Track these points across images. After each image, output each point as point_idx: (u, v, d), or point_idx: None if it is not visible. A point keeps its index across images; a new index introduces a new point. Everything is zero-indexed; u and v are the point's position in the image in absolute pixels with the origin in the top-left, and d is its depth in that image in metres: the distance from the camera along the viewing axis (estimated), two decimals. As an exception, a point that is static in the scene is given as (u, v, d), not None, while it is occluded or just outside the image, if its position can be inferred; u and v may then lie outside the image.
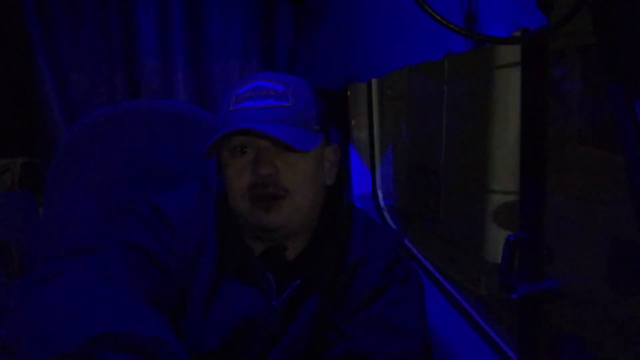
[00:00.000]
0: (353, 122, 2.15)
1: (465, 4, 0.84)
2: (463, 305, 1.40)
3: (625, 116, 0.68)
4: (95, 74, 1.79)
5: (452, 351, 1.27)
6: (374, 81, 2.08)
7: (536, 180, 1.01)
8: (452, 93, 3.28)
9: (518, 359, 1.12)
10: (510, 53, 2.53)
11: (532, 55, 0.97)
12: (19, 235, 1.42)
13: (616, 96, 0.69)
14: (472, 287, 2.77)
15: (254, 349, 0.88)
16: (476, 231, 2.98)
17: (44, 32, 1.69)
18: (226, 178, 0.84)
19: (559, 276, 1.01)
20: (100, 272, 0.72)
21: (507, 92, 2.67)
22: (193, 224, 0.88)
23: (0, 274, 1.40)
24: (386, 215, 2.14)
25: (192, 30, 1.82)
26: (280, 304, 0.87)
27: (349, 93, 2.07)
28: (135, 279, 0.74)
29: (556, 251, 1.02)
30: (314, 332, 0.87)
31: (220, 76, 1.88)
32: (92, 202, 1.24)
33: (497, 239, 2.80)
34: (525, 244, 1.02)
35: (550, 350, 1.05)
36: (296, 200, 0.82)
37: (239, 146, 0.82)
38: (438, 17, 0.70)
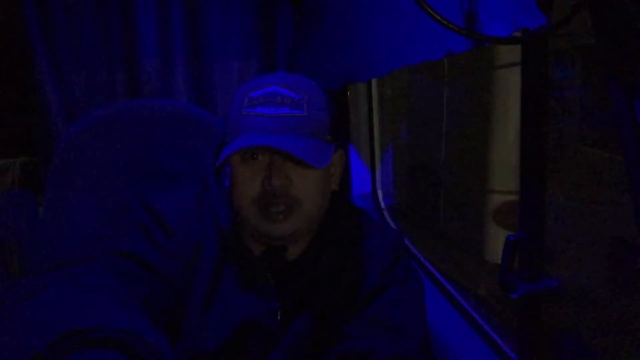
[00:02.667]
0: (353, 122, 2.15)
1: (465, 4, 0.84)
2: (463, 305, 1.40)
3: (625, 116, 0.68)
4: (95, 74, 1.78)
5: (452, 351, 1.27)
6: (374, 81, 2.08)
7: (536, 180, 1.01)
8: (452, 93, 3.28)
9: (518, 359, 1.12)
10: (510, 53, 2.52)
11: (532, 55, 0.96)
12: (19, 235, 1.42)
13: (616, 96, 0.69)
14: (472, 287, 2.77)
15: (254, 350, 0.87)
16: (476, 231, 2.98)
17: (44, 32, 1.69)
18: (234, 182, 0.83)
19: (559, 276, 1.01)
20: (85, 282, 0.70)
21: (507, 92, 2.67)
22: (190, 224, 0.87)
23: (0, 274, 1.40)
24: (386, 215, 2.14)
25: (192, 30, 1.82)
26: (280, 305, 0.87)
27: (349, 93, 2.07)
28: (125, 286, 0.73)
29: (556, 251, 1.02)
30: (313, 333, 0.87)
31: (220, 76, 1.88)
32: (92, 202, 1.24)
33: (497, 239, 2.80)
34: (525, 244, 1.02)
35: (550, 350, 1.05)
36: (305, 209, 0.81)
37: (251, 152, 0.80)
38: (438, 17, 0.70)
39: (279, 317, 0.87)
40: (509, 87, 2.65)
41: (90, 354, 0.55)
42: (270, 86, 0.80)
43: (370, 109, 2.11)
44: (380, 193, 2.18)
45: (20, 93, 1.75)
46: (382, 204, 2.17)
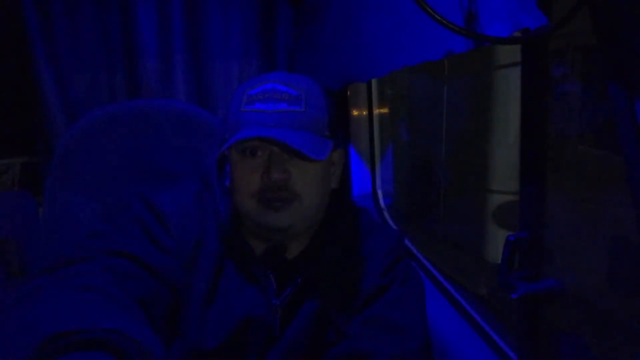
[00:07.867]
0: (353, 122, 2.15)
1: (465, 4, 0.84)
2: (463, 305, 1.40)
3: (625, 116, 0.68)
4: (95, 74, 1.78)
5: (452, 351, 1.27)
6: (374, 81, 2.08)
7: (536, 180, 1.01)
8: (452, 93, 3.28)
9: (518, 359, 1.12)
10: (510, 53, 2.53)
11: (532, 55, 0.97)
12: (19, 235, 1.43)
13: (616, 96, 0.69)
14: (472, 287, 2.77)
15: (254, 347, 0.88)
16: (476, 231, 2.98)
17: (44, 32, 1.69)
18: (234, 178, 0.84)
19: (559, 276, 1.01)
20: (78, 283, 0.70)
21: (507, 92, 2.67)
22: (190, 221, 0.87)
23: (1, 274, 1.40)
24: (386, 215, 2.14)
25: (192, 30, 1.82)
26: (281, 302, 0.87)
27: (349, 93, 2.07)
28: (119, 285, 0.73)
29: (556, 251, 1.02)
30: (313, 332, 0.87)
31: (220, 76, 1.88)
32: (92, 202, 1.24)
33: (497, 239, 2.80)
34: (525, 244, 1.02)
35: (550, 350, 1.05)
36: (305, 203, 0.82)
37: (250, 148, 0.81)
38: (438, 17, 0.70)
39: (279, 315, 0.87)
40: (509, 87, 2.65)
41: (77, 356, 0.55)
42: (268, 83, 0.82)
43: (370, 109, 2.11)
44: (380, 193, 2.18)
45: (20, 93, 1.75)
46: (382, 204, 2.17)
